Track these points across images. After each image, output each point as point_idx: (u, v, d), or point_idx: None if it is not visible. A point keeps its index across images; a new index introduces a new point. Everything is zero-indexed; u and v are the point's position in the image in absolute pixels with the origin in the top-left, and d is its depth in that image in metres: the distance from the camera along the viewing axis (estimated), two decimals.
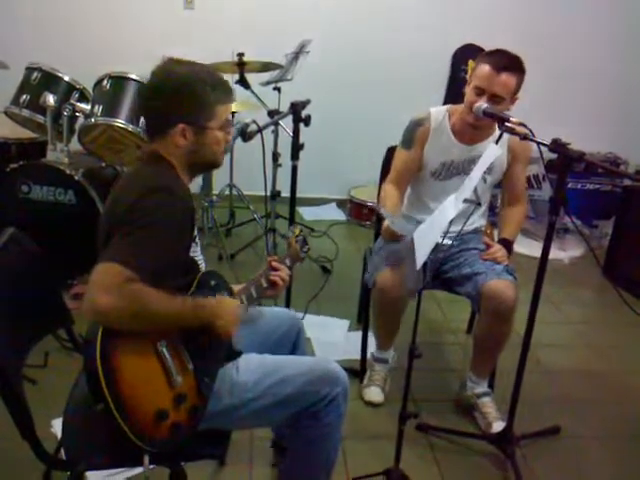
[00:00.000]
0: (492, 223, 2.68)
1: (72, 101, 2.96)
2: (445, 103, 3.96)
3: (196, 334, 1.42)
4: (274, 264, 1.74)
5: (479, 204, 2.39)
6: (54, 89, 2.96)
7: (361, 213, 4.36)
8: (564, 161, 1.76)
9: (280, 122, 2.95)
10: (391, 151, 2.53)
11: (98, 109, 2.85)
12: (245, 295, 1.63)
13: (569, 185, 4.08)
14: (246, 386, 1.55)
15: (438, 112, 2.36)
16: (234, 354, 1.58)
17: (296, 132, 2.32)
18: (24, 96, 2.96)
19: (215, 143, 1.53)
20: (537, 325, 1.95)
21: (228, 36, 3.81)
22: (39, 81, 2.97)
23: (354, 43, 4.20)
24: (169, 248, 1.37)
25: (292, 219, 2.47)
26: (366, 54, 4.22)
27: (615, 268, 3.71)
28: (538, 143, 1.80)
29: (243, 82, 3.29)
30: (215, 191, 3.91)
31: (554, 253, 2.95)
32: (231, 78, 3.18)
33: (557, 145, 1.76)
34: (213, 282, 1.57)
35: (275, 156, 3.39)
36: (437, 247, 1.67)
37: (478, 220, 2.49)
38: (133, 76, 2.90)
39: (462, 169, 2.35)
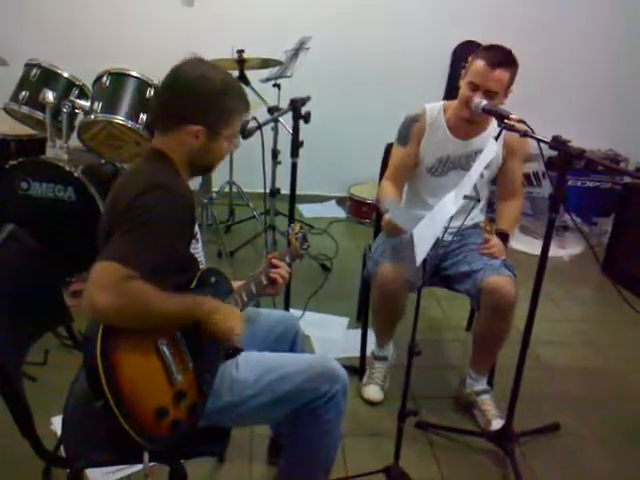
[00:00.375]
0: (491, 220, 2.68)
1: (71, 98, 2.96)
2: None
3: (196, 331, 1.42)
4: (274, 261, 1.75)
5: (478, 200, 2.39)
6: (53, 86, 2.95)
7: (361, 210, 4.35)
8: (564, 158, 1.76)
9: (280, 119, 2.95)
10: (391, 148, 2.52)
11: (98, 106, 2.84)
12: (245, 292, 1.63)
13: (569, 182, 4.08)
14: (246, 383, 1.55)
15: (433, 108, 2.37)
16: (234, 351, 1.58)
17: (296, 129, 2.32)
18: (23, 92, 2.95)
19: (220, 150, 1.55)
20: (536, 322, 1.95)
21: (228, 33, 3.79)
22: (38, 77, 2.96)
23: (354, 40, 4.19)
24: (169, 245, 1.37)
25: (292, 216, 2.47)
26: (366, 51, 4.21)
27: (615, 266, 3.72)
28: (538, 140, 1.80)
29: (243, 79, 3.28)
30: (215, 188, 3.90)
31: (554, 250, 2.94)
32: None
33: (557, 142, 1.75)
34: (213, 279, 1.57)
35: (275, 153, 3.39)
36: (437, 243, 1.67)
37: (477, 215, 2.50)
38: (133, 73, 2.89)
39: (458, 164, 2.36)
